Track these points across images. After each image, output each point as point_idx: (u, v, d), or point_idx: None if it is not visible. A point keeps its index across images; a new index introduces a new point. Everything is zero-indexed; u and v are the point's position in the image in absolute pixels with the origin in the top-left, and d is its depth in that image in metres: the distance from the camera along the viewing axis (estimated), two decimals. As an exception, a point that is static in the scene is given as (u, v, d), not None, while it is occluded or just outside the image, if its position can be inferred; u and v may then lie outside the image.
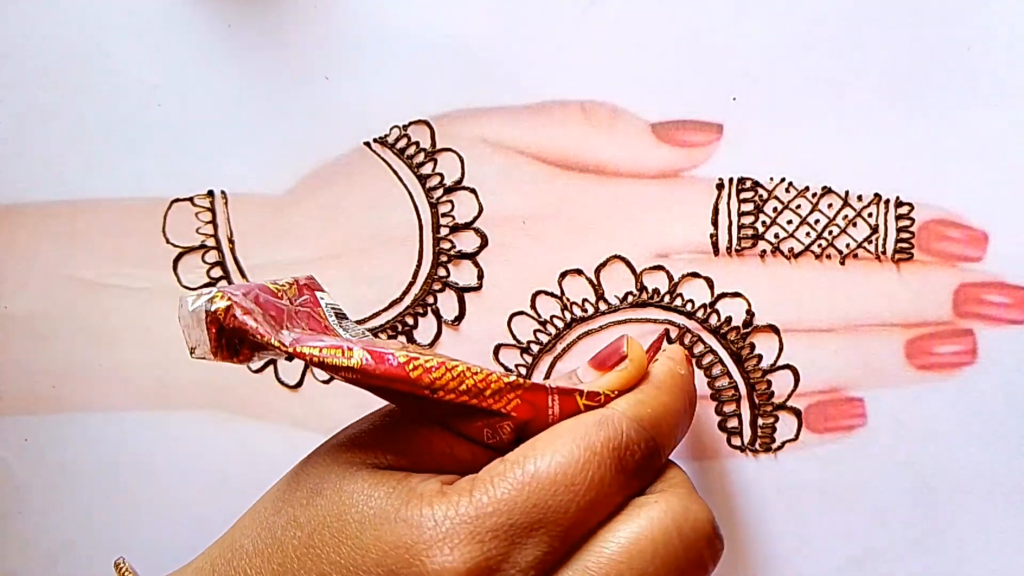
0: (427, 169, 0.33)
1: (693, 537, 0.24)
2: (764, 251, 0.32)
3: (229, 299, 0.24)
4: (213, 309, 0.24)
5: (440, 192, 0.33)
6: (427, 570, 0.22)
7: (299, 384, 0.34)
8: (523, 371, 0.33)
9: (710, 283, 0.32)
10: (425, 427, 0.26)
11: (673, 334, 0.32)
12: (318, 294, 0.29)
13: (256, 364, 0.24)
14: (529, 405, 0.25)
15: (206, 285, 0.34)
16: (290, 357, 0.25)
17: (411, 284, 0.33)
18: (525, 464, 0.24)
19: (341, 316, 0.29)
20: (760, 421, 0.32)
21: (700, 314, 0.32)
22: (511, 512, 0.23)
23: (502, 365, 0.33)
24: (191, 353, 0.25)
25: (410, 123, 0.33)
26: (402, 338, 0.33)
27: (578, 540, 0.24)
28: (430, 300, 0.33)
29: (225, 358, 0.24)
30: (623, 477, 0.24)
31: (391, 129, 0.33)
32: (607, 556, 0.23)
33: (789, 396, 0.32)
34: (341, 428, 0.27)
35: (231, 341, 0.24)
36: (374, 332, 0.34)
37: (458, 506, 0.23)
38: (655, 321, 0.32)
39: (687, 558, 0.24)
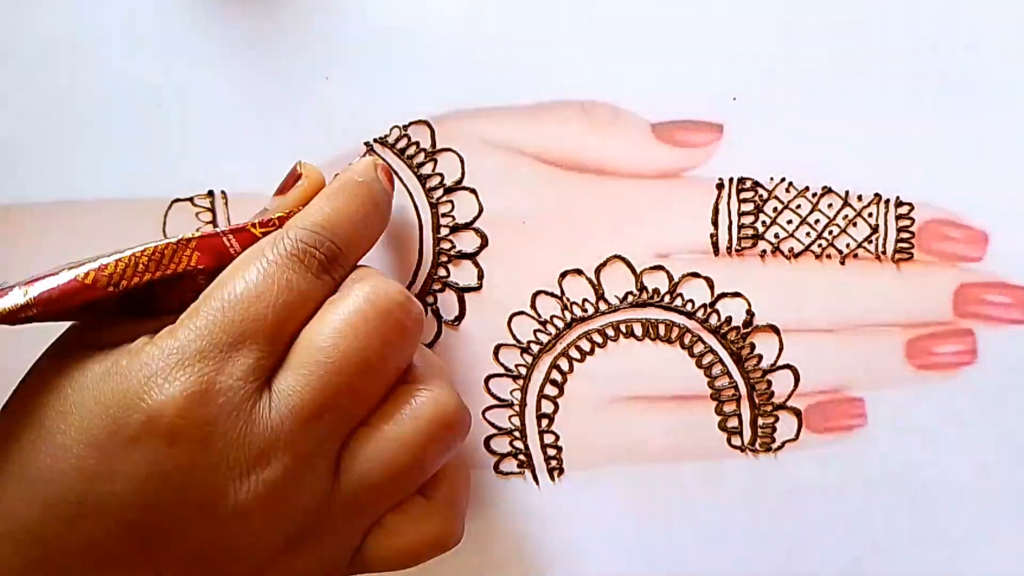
0: (427, 169, 0.33)
1: (388, 306, 0.26)
2: (764, 251, 0.32)
3: None
4: None
5: (440, 192, 0.33)
6: (148, 406, 0.24)
7: (299, 384, 0.34)
8: (523, 371, 0.33)
9: (710, 283, 0.32)
10: (134, 314, 0.27)
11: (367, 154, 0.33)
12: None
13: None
14: (209, 253, 0.27)
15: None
16: None
17: (411, 284, 0.33)
18: (214, 293, 0.26)
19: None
20: (760, 421, 0.32)
21: (700, 314, 0.32)
22: (212, 334, 0.25)
23: (502, 365, 0.33)
24: None
25: (410, 123, 0.33)
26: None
27: (287, 341, 0.26)
28: (430, 300, 0.33)
29: None
30: (310, 277, 0.26)
31: (391, 129, 0.33)
32: (313, 345, 0.25)
33: (789, 396, 0.32)
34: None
35: None
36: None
37: (163, 346, 0.25)
38: (655, 321, 0.32)
39: (387, 327, 0.26)
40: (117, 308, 0.27)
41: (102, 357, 0.26)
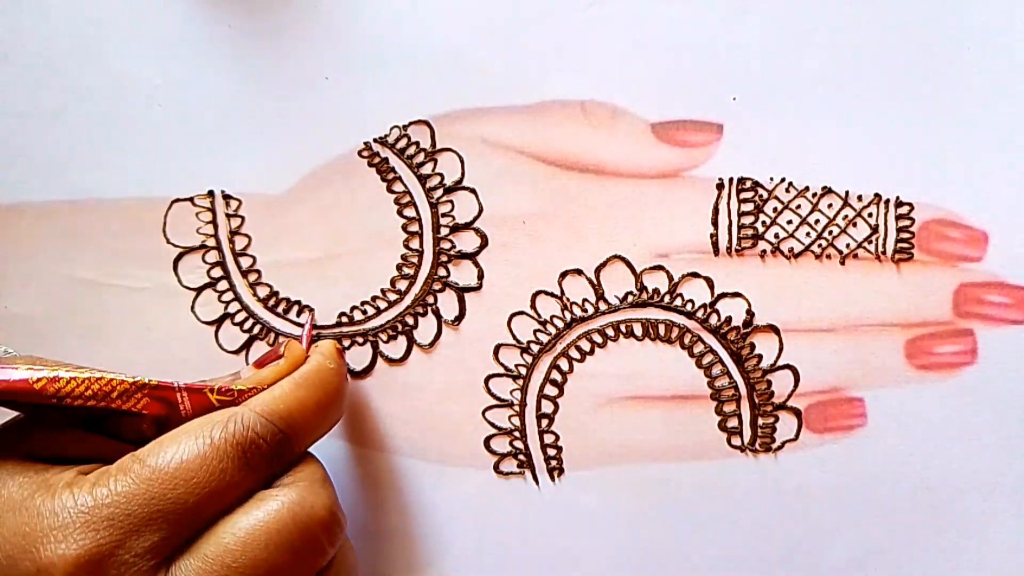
0: (427, 169, 0.33)
1: (309, 524, 0.26)
2: (764, 251, 0.32)
3: None
4: None
5: (440, 192, 0.33)
6: (40, 558, 0.24)
7: (299, 384, 0.34)
8: (523, 371, 0.33)
9: (710, 283, 0.32)
10: (71, 424, 0.28)
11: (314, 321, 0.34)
12: None
13: None
14: (160, 403, 0.27)
15: (207, 285, 0.34)
16: None
17: (411, 284, 0.33)
18: (147, 459, 0.25)
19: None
20: (760, 421, 0.32)
21: (700, 314, 0.32)
22: (128, 503, 0.24)
23: (502, 365, 0.33)
24: None
25: (410, 123, 0.33)
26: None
27: (200, 527, 0.25)
28: (430, 300, 0.33)
29: None
30: (246, 470, 0.26)
31: (391, 129, 0.33)
32: (224, 545, 0.25)
33: (789, 396, 0.32)
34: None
35: None
36: (374, 332, 0.34)
37: (78, 497, 0.25)
38: (655, 321, 0.32)
39: (303, 544, 0.26)
40: (78, 413, 0.28)
41: (27, 481, 0.25)
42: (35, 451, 0.27)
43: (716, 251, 0.32)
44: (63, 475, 0.26)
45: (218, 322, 0.34)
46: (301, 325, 0.34)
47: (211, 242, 0.34)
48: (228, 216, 0.34)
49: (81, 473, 0.26)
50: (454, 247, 0.33)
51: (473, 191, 0.33)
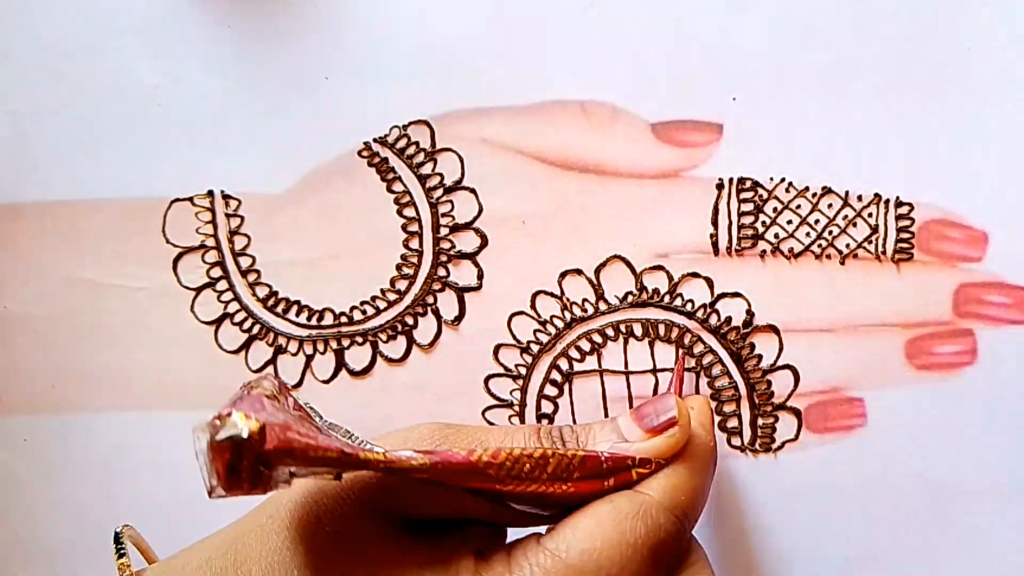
0: (427, 169, 0.33)
1: None
2: (764, 251, 0.32)
3: (256, 418, 0.21)
4: (245, 434, 0.20)
5: (440, 192, 0.33)
6: None
7: (299, 384, 0.34)
8: (523, 371, 0.33)
9: (710, 283, 0.32)
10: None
11: (689, 361, 0.32)
12: (293, 394, 0.27)
13: (284, 489, 0.22)
14: (589, 481, 0.26)
15: (206, 285, 0.34)
16: (340, 471, 0.23)
17: (411, 284, 0.33)
18: (561, 554, 0.24)
19: (319, 415, 0.27)
20: (760, 421, 0.32)
21: (700, 314, 0.32)
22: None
23: (502, 365, 0.33)
24: (210, 494, 0.21)
25: (410, 123, 0.33)
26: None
27: None
28: (430, 300, 0.33)
29: (248, 491, 0.21)
30: (654, 571, 0.25)
31: (391, 129, 0.33)
32: None
33: (789, 396, 0.32)
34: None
35: (254, 468, 0.20)
36: (374, 332, 0.34)
37: None
38: (655, 321, 0.32)
39: None
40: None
41: (421, 566, 0.24)
42: (401, 511, 0.25)
43: (716, 251, 0.32)
44: (463, 564, 0.24)
45: (217, 322, 0.34)
46: (301, 325, 0.34)
47: (210, 242, 0.34)
48: (228, 216, 0.34)
49: (481, 562, 0.25)
50: (454, 247, 0.33)
51: (473, 191, 0.33)
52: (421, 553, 0.25)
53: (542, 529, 0.26)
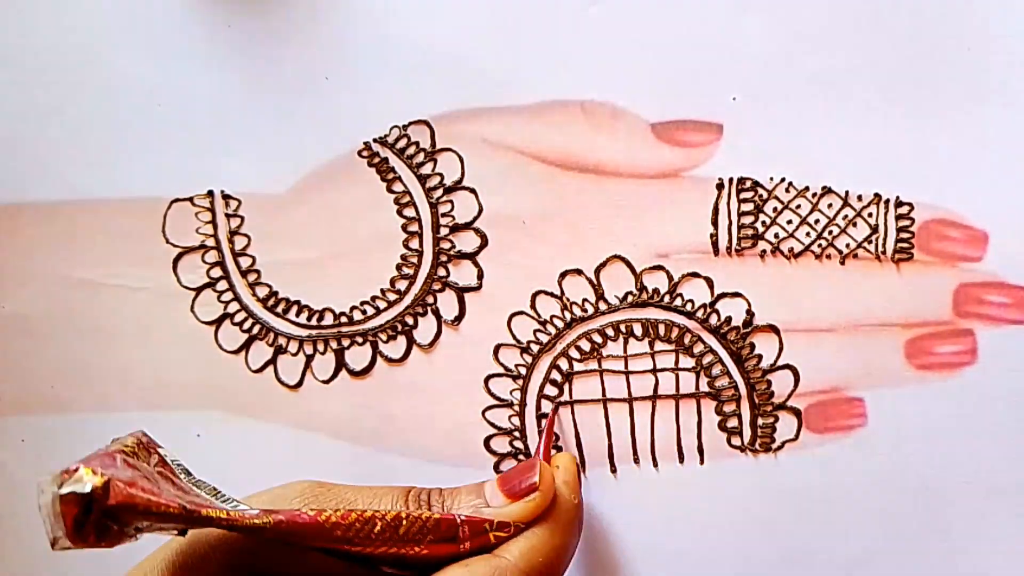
0: (427, 169, 0.33)
1: None
2: (764, 251, 0.32)
3: (102, 474, 0.21)
4: (89, 489, 0.21)
5: (440, 192, 0.33)
6: None
7: (299, 384, 0.34)
8: (523, 371, 0.33)
9: (710, 283, 0.32)
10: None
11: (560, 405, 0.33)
12: (160, 451, 0.27)
13: (128, 543, 0.23)
14: (443, 544, 0.26)
15: (206, 285, 0.34)
16: (184, 527, 0.23)
17: (411, 284, 0.33)
18: None
19: (186, 472, 0.27)
20: (760, 421, 0.32)
21: (700, 314, 0.32)
22: None
23: (502, 365, 0.33)
24: (53, 545, 0.21)
25: (410, 123, 0.33)
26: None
27: None
28: (430, 300, 0.33)
29: (93, 544, 0.21)
30: None
31: (391, 129, 0.33)
32: None
33: (789, 396, 0.32)
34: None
35: (100, 522, 0.21)
36: (374, 332, 0.34)
37: None
38: (655, 321, 0.32)
39: None
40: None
41: None
42: (269, 572, 0.26)
43: (716, 251, 0.32)
44: None
45: (217, 322, 0.34)
46: (301, 325, 0.34)
47: (210, 242, 0.34)
48: (228, 216, 0.34)
49: None
50: (454, 247, 0.33)
51: (473, 191, 0.33)
52: None
53: None
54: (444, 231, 0.33)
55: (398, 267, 0.33)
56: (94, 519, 0.21)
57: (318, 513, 0.25)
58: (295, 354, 0.34)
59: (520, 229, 0.33)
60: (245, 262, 0.34)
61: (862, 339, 0.32)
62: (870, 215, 0.31)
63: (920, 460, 0.32)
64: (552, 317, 0.33)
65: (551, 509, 0.28)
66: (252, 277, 0.34)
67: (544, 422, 0.32)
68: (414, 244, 0.33)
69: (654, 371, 0.32)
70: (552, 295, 0.33)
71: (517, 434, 0.33)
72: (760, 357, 0.32)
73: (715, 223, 0.32)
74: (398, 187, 0.33)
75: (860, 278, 0.32)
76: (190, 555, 0.26)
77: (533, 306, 0.33)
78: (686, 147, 0.32)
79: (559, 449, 0.33)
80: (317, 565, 0.26)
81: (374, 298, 0.33)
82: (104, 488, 0.21)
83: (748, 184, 0.32)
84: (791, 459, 0.32)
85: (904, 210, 0.31)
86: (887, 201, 0.31)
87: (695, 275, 0.32)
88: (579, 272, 0.33)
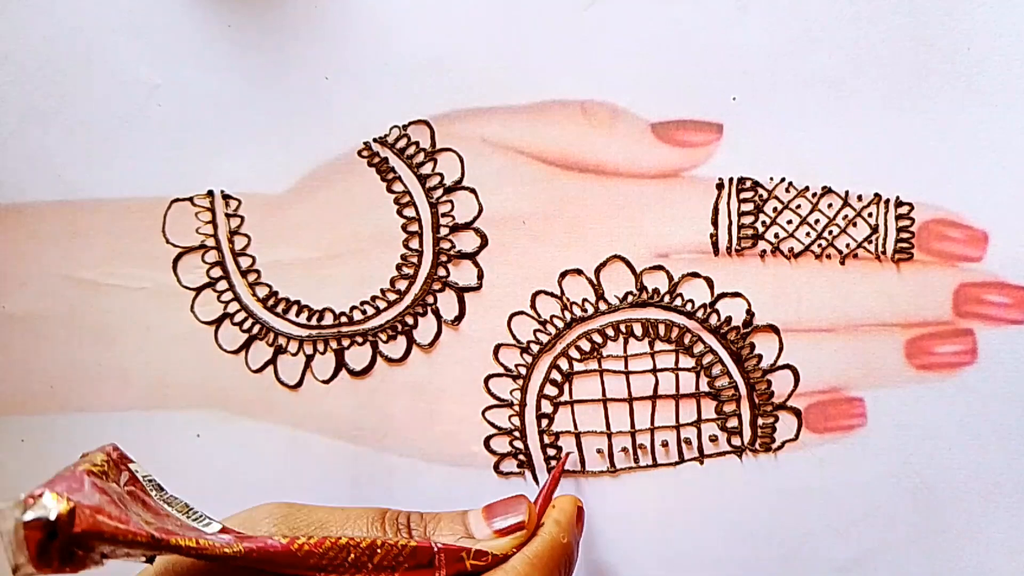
0: (427, 169, 0.33)
1: None
2: (764, 251, 0.32)
3: (68, 500, 0.21)
4: (54, 516, 0.20)
5: (440, 192, 0.33)
6: None
7: (299, 384, 0.34)
8: (523, 371, 0.33)
9: (710, 283, 0.32)
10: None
11: (569, 461, 0.33)
12: (132, 467, 0.26)
13: (94, 569, 0.22)
14: (418, 571, 0.26)
15: (206, 285, 0.34)
16: (152, 553, 0.23)
17: (411, 284, 0.33)
18: None
19: (158, 488, 0.27)
20: (760, 421, 0.32)
21: (700, 314, 0.32)
22: None
23: (502, 365, 0.33)
24: (15, 572, 0.21)
25: (410, 123, 0.33)
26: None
27: None
28: (430, 300, 0.33)
29: (57, 570, 0.21)
30: None
31: (391, 129, 0.33)
32: None
33: (789, 396, 0.32)
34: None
35: (66, 548, 0.21)
36: (374, 332, 0.34)
37: None
38: (655, 321, 0.32)
39: None
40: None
41: None
42: None
43: (716, 251, 0.32)
44: None
45: (217, 322, 0.34)
46: (301, 325, 0.34)
47: (210, 242, 0.34)
48: (227, 216, 0.34)
49: None
50: (454, 247, 0.33)
51: (473, 191, 0.33)
52: None
53: None
54: (444, 231, 0.33)
55: (398, 267, 0.33)
56: (58, 545, 0.20)
57: (291, 541, 0.25)
58: (295, 354, 0.34)
59: (520, 229, 0.33)
60: (245, 262, 0.34)
61: (862, 339, 0.32)
62: (870, 215, 0.31)
63: (920, 460, 0.32)
64: (552, 317, 0.33)
65: (538, 547, 0.28)
66: (252, 277, 0.34)
67: (558, 464, 0.32)
68: (414, 244, 0.33)
69: (654, 371, 0.32)
70: (552, 295, 0.33)
71: (517, 434, 0.33)
72: (760, 357, 0.32)
73: (715, 223, 0.32)
74: (398, 187, 0.33)
75: (860, 278, 0.32)
76: None
77: (533, 306, 0.33)
78: (686, 147, 0.32)
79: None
80: None
81: (374, 298, 0.33)
82: (69, 515, 0.21)
83: (748, 184, 0.32)
84: (791, 459, 0.32)
85: (904, 210, 0.31)
86: (887, 201, 0.31)
87: (695, 275, 0.32)
88: (579, 272, 0.33)
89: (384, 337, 0.34)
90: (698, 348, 0.32)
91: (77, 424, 0.35)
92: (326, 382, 0.34)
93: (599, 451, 0.33)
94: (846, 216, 0.31)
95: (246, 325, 0.34)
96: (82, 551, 0.21)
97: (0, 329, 0.35)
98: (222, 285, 0.34)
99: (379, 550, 0.26)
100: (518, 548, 0.28)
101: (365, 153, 0.33)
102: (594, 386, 0.33)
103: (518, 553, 0.28)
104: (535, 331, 0.33)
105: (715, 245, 0.32)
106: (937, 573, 0.32)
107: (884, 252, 0.31)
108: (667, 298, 0.32)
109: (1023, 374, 0.31)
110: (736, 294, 0.32)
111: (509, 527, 0.28)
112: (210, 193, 0.34)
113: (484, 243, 0.33)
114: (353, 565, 0.25)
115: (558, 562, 0.28)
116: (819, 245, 0.32)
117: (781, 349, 0.32)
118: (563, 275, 0.33)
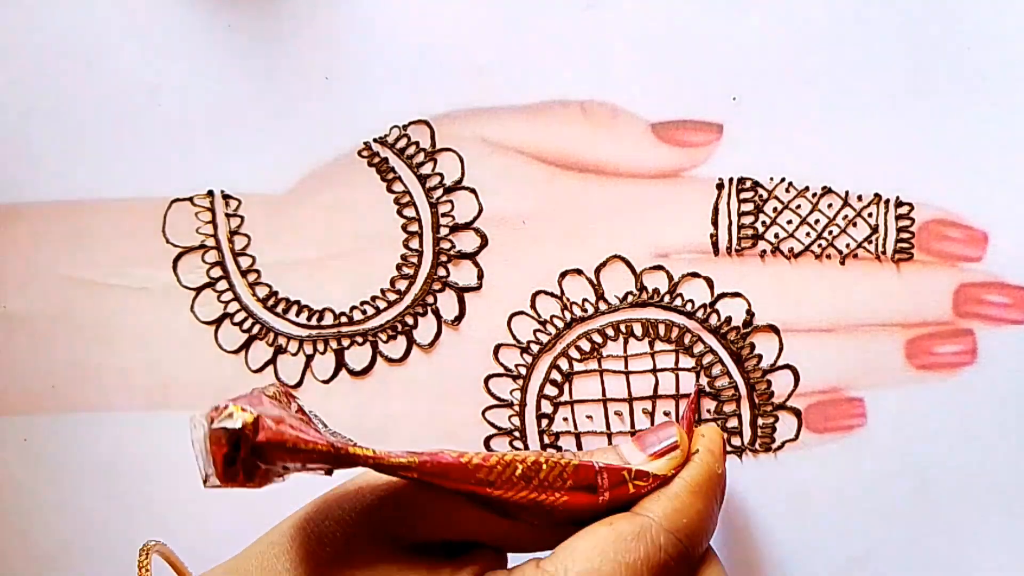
0: (427, 169, 0.33)
1: None
2: (764, 251, 0.32)
3: (251, 411, 0.21)
4: (239, 425, 0.21)
5: (440, 192, 0.33)
6: None
7: (299, 384, 0.34)
8: (523, 371, 0.33)
9: (710, 283, 0.32)
10: (453, 498, 0.26)
11: (704, 395, 0.32)
12: (299, 401, 0.27)
13: (278, 483, 0.22)
14: (581, 492, 0.26)
15: (206, 285, 0.34)
16: (331, 467, 0.23)
17: (411, 284, 0.33)
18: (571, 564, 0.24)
19: (323, 423, 0.27)
20: (760, 421, 0.32)
21: (700, 314, 0.32)
22: None
23: (502, 365, 0.33)
24: (205, 482, 0.22)
25: (410, 123, 0.33)
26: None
27: None
28: (430, 300, 0.33)
29: (242, 483, 0.21)
30: None
31: (391, 129, 0.33)
32: None
33: (789, 396, 0.32)
34: (349, 480, 0.27)
35: (249, 461, 0.21)
36: (374, 332, 0.34)
37: None
38: (655, 321, 0.32)
39: None
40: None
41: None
42: (403, 534, 0.25)
43: (716, 251, 0.32)
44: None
45: (217, 322, 0.34)
46: (301, 325, 0.34)
47: (211, 242, 0.34)
48: (228, 216, 0.34)
49: None
50: (454, 247, 0.33)
51: (473, 191, 0.33)
52: (423, 573, 0.25)
53: (544, 555, 0.26)
54: (444, 231, 0.33)
55: (398, 267, 0.33)
56: (243, 457, 0.21)
57: (461, 455, 0.25)
58: (295, 354, 0.34)
59: (520, 229, 0.33)
60: (245, 262, 0.34)
61: (862, 339, 0.32)
62: (870, 215, 0.31)
63: (920, 460, 0.32)
64: (552, 317, 0.33)
65: (695, 471, 0.27)
66: (252, 277, 0.34)
67: (692, 394, 0.32)
68: (414, 244, 0.33)
69: (654, 371, 0.32)
70: (552, 295, 0.33)
71: (517, 434, 0.33)
72: (760, 357, 0.32)
73: (715, 223, 0.32)
74: (398, 187, 0.33)
75: (860, 278, 0.32)
76: (319, 521, 0.25)
77: (533, 306, 0.33)
78: (686, 147, 0.32)
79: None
80: (459, 529, 0.26)
81: (374, 298, 0.33)
82: (254, 424, 0.21)
83: (748, 184, 0.32)
84: (791, 459, 0.32)
85: (904, 210, 0.31)
86: (887, 201, 0.31)
87: (695, 275, 0.32)
88: (579, 272, 0.33)
89: (384, 337, 0.34)
90: (698, 348, 0.32)
91: (78, 424, 0.35)
92: (326, 382, 0.34)
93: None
94: (846, 216, 0.31)
95: (246, 325, 0.34)
96: (264, 464, 0.21)
97: (1, 329, 0.35)
98: (222, 285, 0.34)
99: (544, 466, 0.25)
100: (676, 471, 0.27)
101: (365, 153, 0.33)
102: (594, 386, 0.33)
103: (678, 479, 0.27)
104: (535, 331, 0.33)
105: (715, 245, 0.32)
106: (937, 573, 0.32)
107: (884, 252, 0.31)
108: (667, 298, 0.32)
109: (1023, 374, 0.31)
110: (736, 294, 0.32)
111: (665, 448, 0.28)
112: (210, 193, 0.34)
113: (484, 243, 0.33)
114: (519, 481, 0.25)
115: (715, 491, 0.28)
116: (819, 245, 0.32)
117: (781, 349, 0.32)
118: (563, 275, 0.33)
